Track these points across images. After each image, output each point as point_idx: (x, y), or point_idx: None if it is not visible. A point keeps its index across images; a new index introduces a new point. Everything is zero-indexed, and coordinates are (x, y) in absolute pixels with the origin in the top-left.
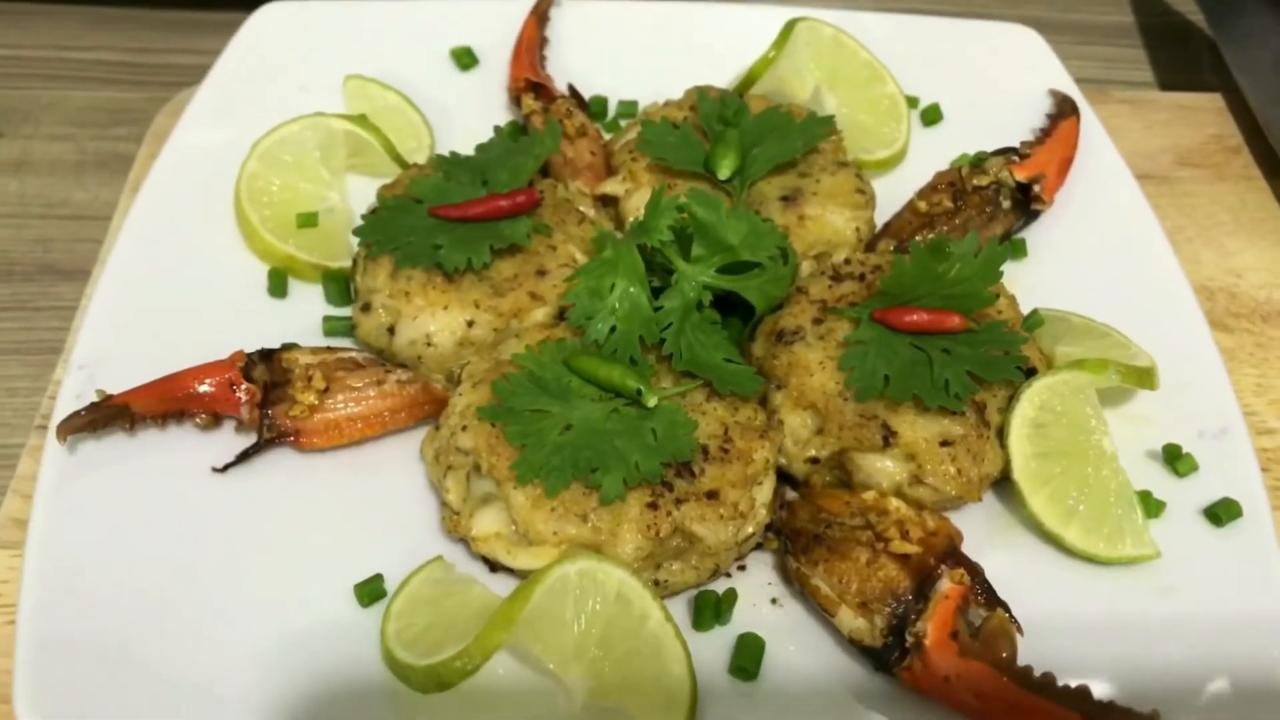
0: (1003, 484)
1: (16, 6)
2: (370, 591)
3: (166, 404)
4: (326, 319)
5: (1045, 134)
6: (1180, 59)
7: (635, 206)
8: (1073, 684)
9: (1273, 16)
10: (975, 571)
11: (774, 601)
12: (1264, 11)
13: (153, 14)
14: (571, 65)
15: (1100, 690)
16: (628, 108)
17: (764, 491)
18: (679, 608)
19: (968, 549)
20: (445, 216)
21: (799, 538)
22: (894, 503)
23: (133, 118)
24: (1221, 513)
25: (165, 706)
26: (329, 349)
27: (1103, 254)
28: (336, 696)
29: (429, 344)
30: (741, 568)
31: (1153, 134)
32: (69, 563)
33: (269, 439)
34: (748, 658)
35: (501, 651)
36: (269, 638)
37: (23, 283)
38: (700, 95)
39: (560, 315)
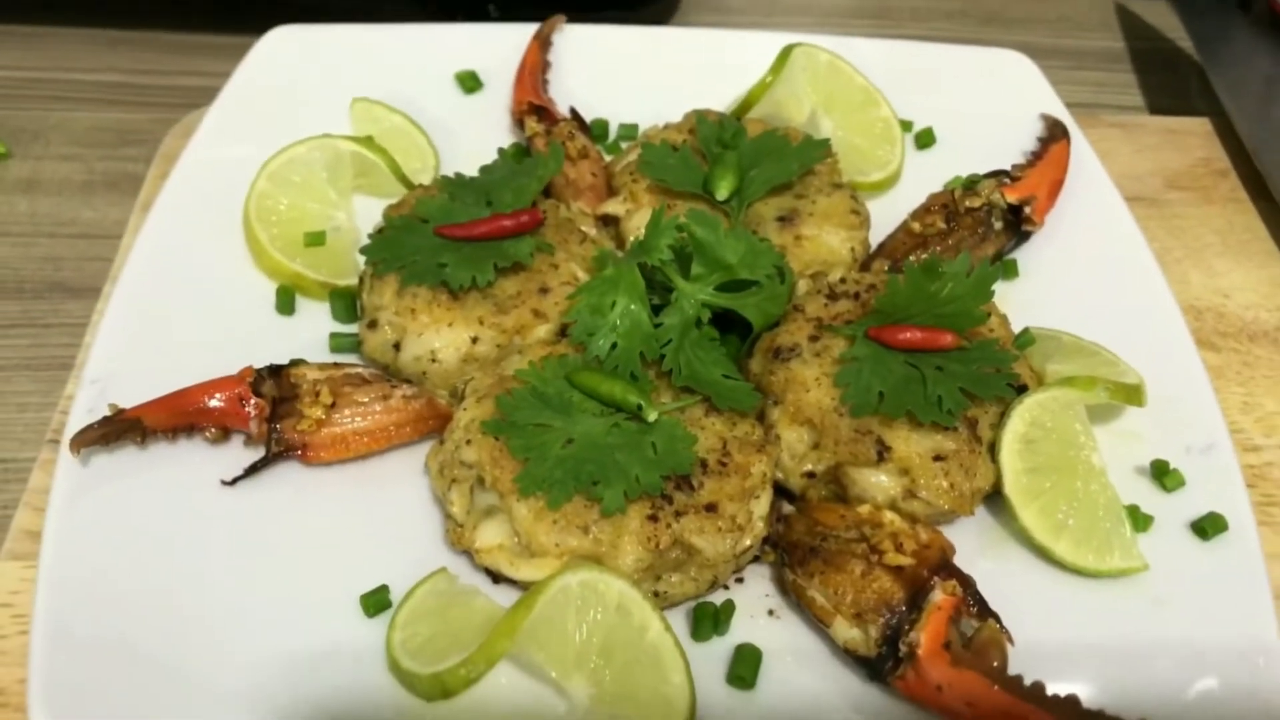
0: (994, 498)
1: (26, 28)
2: (376, 602)
3: (177, 418)
4: (333, 335)
5: (1036, 157)
6: (1169, 84)
7: (636, 226)
8: (1062, 693)
9: (1259, 43)
10: (967, 583)
11: (771, 613)
12: (1251, 38)
13: (161, 36)
14: (573, 89)
15: (1089, 699)
16: (628, 130)
17: (761, 505)
18: (678, 619)
19: (960, 561)
20: (450, 236)
21: (795, 550)
22: (888, 516)
23: (140, 138)
24: (1208, 526)
25: (176, 713)
26: (336, 365)
27: (1092, 274)
28: (343, 703)
29: (434, 360)
30: (739, 580)
31: (1142, 157)
32: (81, 573)
33: (277, 452)
34: (745, 667)
35: (504, 660)
36: (278, 647)
37: (33, 300)
38: (699, 118)
39: (562, 332)
